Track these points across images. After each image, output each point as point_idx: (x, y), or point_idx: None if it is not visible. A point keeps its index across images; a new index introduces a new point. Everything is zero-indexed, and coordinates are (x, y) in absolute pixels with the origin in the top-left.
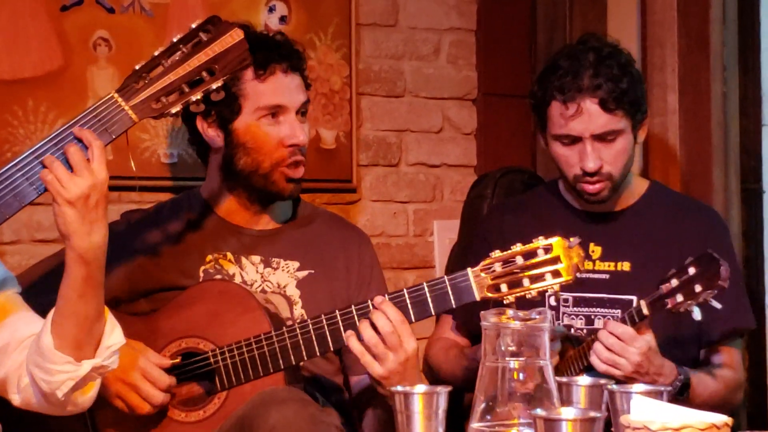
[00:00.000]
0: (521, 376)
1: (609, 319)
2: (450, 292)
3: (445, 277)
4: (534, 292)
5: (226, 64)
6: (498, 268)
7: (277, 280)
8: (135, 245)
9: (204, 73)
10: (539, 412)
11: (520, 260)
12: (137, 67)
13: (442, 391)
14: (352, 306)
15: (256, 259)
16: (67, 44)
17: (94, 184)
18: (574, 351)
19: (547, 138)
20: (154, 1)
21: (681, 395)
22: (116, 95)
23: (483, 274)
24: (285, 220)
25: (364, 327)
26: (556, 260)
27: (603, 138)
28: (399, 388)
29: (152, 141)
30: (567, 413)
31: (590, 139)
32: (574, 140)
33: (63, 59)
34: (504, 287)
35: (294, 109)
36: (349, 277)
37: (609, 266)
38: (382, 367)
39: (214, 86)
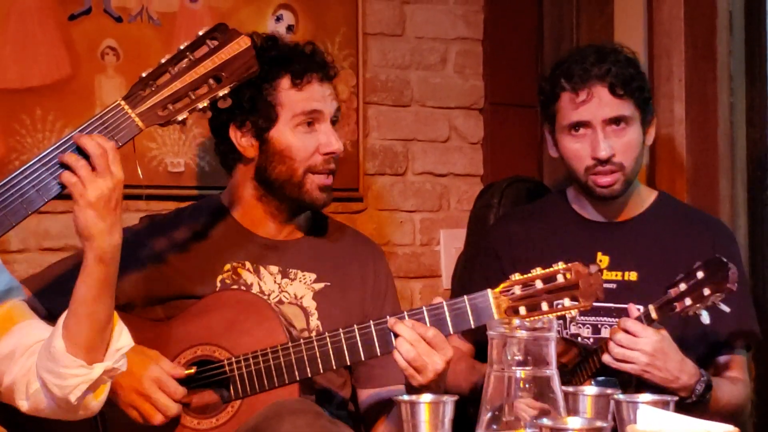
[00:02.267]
0: (527, 385)
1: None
2: (469, 313)
3: (465, 297)
4: (552, 316)
5: (233, 71)
6: (517, 290)
7: (294, 291)
8: (153, 250)
9: (211, 81)
10: (545, 421)
11: (539, 284)
12: (144, 75)
13: (449, 401)
14: (371, 321)
15: (274, 269)
16: (74, 53)
17: (115, 185)
18: (581, 359)
19: (556, 136)
20: (161, 11)
21: (704, 397)
22: (123, 103)
23: (502, 296)
24: (304, 231)
25: (400, 342)
26: (575, 286)
27: (613, 124)
28: (405, 397)
29: (159, 150)
30: (573, 423)
31: (601, 126)
32: (584, 127)
33: (71, 68)
34: (522, 310)
35: (329, 117)
36: (364, 290)
37: (616, 276)
38: (422, 377)
39: (220, 93)
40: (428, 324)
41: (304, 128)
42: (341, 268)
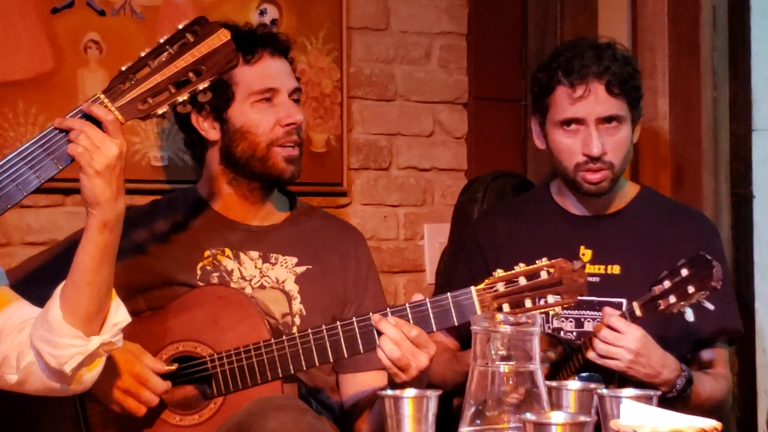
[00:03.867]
0: (511, 380)
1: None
2: (452, 310)
3: (449, 294)
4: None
5: (213, 64)
6: (501, 287)
7: (275, 276)
8: (132, 241)
9: (191, 74)
10: (529, 416)
11: (522, 281)
12: (123, 68)
13: (432, 395)
14: (353, 318)
15: (255, 254)
16: (57, 47)
17: (120, 153)
18: (565, 355)
19: (546, 129)
20: (144, 4)
21: (685, 392)
22: (102, 96)
23: (486, 293)
24: (282, 217)
25: (384, 342)
26: (558, 282)
27: (607, 123)
28: (389, 392)
29: (143, 144)
30: (557, 417)
31: (594, 124)
32: (578, 124)
33: (53, 62)
34: (506, 307)
35: (286, 92)
36: (345, 274)
37: (599, 269)
38: (405, 375)
39: (200, 87)
40: (411, 321)
41: (262, 104)
42: (322, 252)
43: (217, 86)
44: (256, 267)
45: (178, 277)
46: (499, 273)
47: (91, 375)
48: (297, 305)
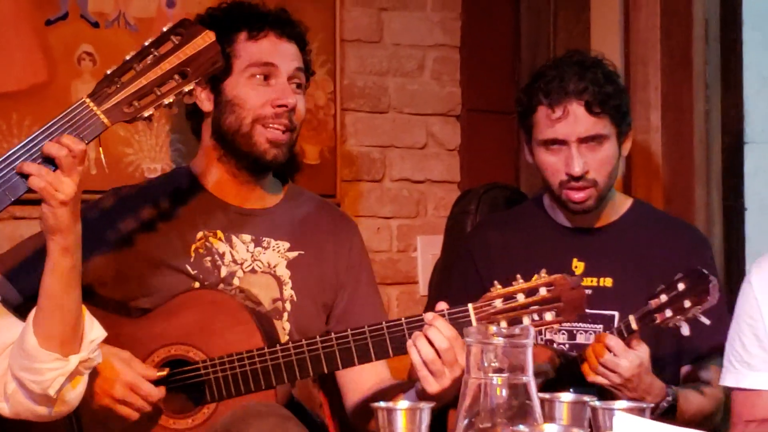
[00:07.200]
0: (504, 392)
1: (599, 332)
2: None
3: (446, 310)
4: (533, 331)
5: (198, 66)
6: (498, 304)
7: (267, 260)
8: (122, 223)
9: (176, 76)
10: (522, 428)
11: (521, 297)
12: (109, 72)
13: (425, 407)
14: (349, 330)
15: (247, 237)
16: (51, 58)
17: (81, 180)
18: (560, 368)
19: (532, 147)
20: (138, 16)
21: (667, 414)
22: (88, 100)
23: (483, 310)
24: (275, 200)
25: (422, 343)
26: (557, 299)
27: (589, 142)
28: (381, 404)
29: (136, 155)
30: (549, 430)
31: (576, 143)
32: (560, 144)
33: (47, 73)
34: (504, 324)
35: (286, 73)
36: (337, 261)
37: (591, 282)
38: (437, 383)
39: (186, 89)
40: (408, 336)
41: (259, 81)
42: (315, 238)
43: None
44: (248, 251)
45: (171, 260)
46: (498, 289)
47: (75, 393)
48: (288, 291)
